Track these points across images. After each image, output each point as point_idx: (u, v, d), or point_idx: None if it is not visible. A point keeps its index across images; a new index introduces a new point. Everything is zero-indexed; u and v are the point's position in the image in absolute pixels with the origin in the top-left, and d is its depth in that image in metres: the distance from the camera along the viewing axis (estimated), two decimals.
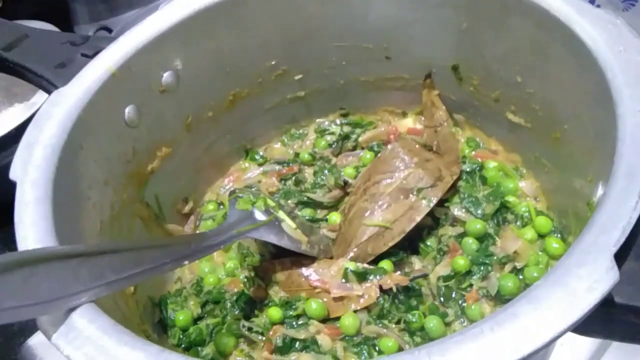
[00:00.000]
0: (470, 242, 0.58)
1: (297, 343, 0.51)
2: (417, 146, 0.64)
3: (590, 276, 0.31)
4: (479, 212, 0.60)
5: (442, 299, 0.55)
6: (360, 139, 0.73)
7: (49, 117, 0.49)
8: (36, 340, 0.76)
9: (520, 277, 0.55)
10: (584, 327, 0.32)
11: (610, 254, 0.32)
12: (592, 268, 0.31)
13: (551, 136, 0.56)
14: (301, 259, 0.57)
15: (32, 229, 0.41)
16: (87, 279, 0.35)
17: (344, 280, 0.54)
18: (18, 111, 0.99)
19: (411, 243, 0.60)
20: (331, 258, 0.59)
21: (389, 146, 0.64)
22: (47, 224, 0.42)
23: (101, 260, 0.37)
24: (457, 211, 0.60)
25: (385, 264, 0.56)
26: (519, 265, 0.56)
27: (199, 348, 0.55)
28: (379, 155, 0.65)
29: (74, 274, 0.34)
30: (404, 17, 0.64)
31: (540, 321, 0.30)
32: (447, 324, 0.54)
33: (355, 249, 0.58)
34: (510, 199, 0.61)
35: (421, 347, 0.30)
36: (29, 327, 0.77)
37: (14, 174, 0.45)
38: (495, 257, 0.56)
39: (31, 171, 0.45)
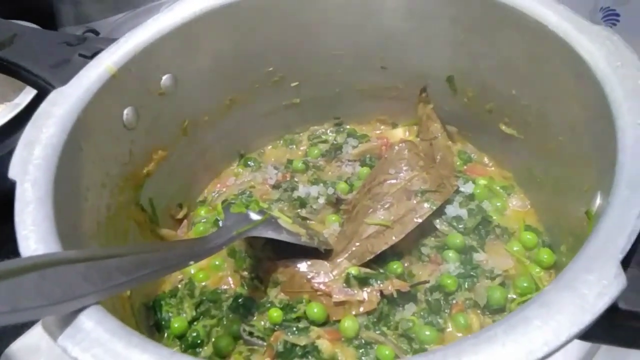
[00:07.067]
0: (451, 255, 0.59)
1: (298, 348, 0.51)
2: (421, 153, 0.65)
3: (599, 282, 0.32)
4: (461, 226, 0.61)
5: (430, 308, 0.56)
6: (353, 151, 0.73)
7: (49, 117, 0.49)
8: (19, 345, 0.73)
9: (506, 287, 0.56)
10: (587, 332, 0.32)
11: (617, 260, 0.33)
12: (600, 274, 0.32)
13: (544, 147, 0.58)
14: (302, 259, 0.57)
15: (34, 229, 0.40)
16: (97, 281, 0.34)
17: (345, 285, 0.55)
18: None
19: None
20: (331, 251, 0.59)
21: (396, 147, 0.64)
22: (48, 224, 0.41)
23: (110, 263, 0.36)
24: (439, 224, 0.61)
25: (396, 264, 0.57)
26: (508, 280, 0.57)
27: (197, 349, 0.54)
28: (385, 155, 0.66)
29: (84, 277, 0.34)
30: (401, 28, 0.65)
31: (553, 325, 0.31)
32: (440, 330, 0.54)
33: (355, 245, 0.58)
34: (494, 214, 0.63)
35: (437, 350, 0.31)
36: (12, 332, 0.74)
37: (13, 172, 0.44)
38: (480, 269, 0.57)
39: (32, 170, 0.44)
